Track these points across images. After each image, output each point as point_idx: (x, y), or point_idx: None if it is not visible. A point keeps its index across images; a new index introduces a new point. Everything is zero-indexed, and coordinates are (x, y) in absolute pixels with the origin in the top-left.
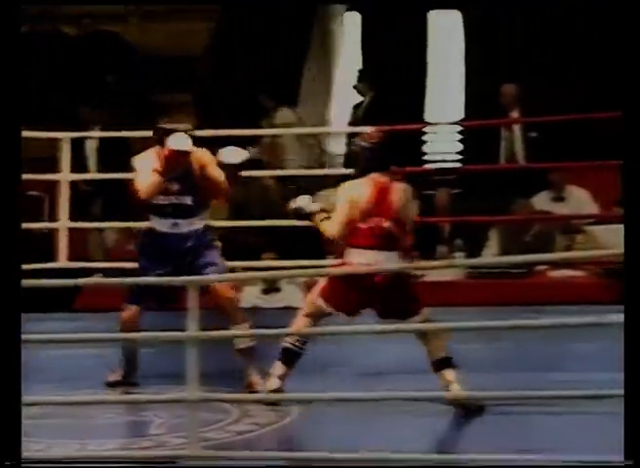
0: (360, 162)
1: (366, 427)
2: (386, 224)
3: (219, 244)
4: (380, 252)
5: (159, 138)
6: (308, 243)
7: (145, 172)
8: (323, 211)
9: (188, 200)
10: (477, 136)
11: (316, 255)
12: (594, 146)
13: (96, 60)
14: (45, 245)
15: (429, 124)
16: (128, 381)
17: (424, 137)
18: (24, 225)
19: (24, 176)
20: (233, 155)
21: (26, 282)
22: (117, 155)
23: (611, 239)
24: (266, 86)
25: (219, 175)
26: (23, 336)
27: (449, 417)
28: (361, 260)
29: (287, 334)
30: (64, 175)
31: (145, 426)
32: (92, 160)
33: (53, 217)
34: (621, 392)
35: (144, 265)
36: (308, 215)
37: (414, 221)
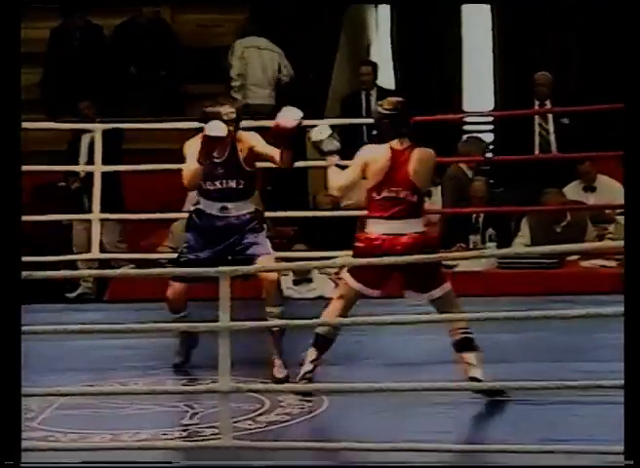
0: (379, 129)
1: (397, 417)
2: (403, 193)
3: (264, 227)
4: (399, 220)
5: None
6: (340, 233)
7: (190, 159)
8: (339, 152)
9: (234, 184)
10: (511, 125)
11: (348, 246)
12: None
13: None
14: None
15: (465, 114)
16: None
17: (462, 127)
18: (54, 216)
19: (58, 168)
20: (289, 115)
21: (58, 273)
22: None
23: None
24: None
25: (270, 151)
26: (56, 328)
27: (478, 408)
28: (380, 230)
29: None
30: (97, 167)
31: (177, 417)
32: (84, 155)
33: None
34: None
35: (192, 244)
36: (324, 154)
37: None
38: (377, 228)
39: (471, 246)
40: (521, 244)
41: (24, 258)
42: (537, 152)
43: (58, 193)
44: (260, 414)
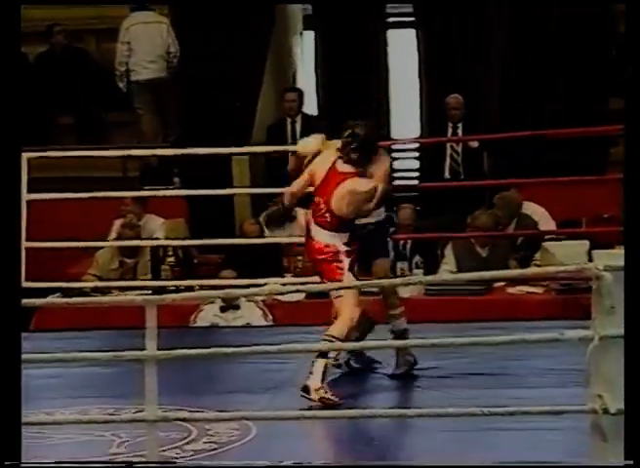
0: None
1: (328, 443)
2: (323, 207)
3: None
4: (319, 227)
5: None
6: (267, 260)
7: None
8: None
9: None
10: (431, 150)
11: (275, 273)
12: (548, 162)
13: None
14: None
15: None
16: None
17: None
18: None
19: None
20: None
21: None
22: None
23: (568, 255)
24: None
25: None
26: None
27: (409, 432)
28: (311, 233)
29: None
30: (23, 196)
31: (104, 446)
32: None
33: None
34: (578, 407)
35: None
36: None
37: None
38: (312, 230)
39: (399, 273)
40: (446, 271)
41: None
42: (447, 175)
43: None
44: (187, 443)
